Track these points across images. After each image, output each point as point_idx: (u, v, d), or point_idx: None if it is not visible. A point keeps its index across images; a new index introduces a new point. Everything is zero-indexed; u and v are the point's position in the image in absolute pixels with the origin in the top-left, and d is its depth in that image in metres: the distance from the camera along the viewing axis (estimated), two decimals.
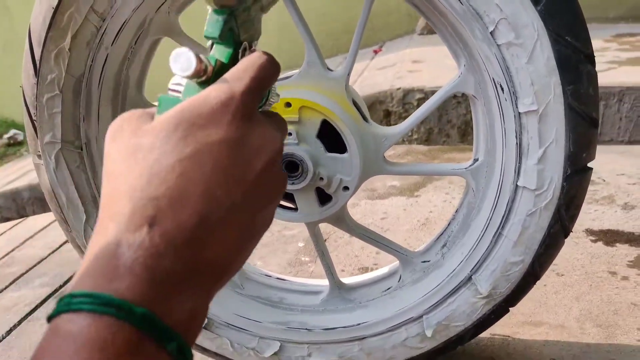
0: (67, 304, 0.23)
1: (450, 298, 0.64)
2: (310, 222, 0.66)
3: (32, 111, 0.62)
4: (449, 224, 0.67)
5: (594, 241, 1.00)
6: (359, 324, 0.68)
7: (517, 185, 0.58)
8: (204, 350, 0.72)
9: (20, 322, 1.06)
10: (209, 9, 0.33)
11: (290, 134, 0.59)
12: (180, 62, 0.29)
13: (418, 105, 1.61)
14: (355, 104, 0.63)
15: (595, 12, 2.40)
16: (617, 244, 0.98)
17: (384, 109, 1.64)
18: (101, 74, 0.61)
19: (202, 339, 0.71)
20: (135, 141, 0.27)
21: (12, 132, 3.59)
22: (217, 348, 0.71)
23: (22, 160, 2.89)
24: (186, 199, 0.26)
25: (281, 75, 0.57)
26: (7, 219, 1.98)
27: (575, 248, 0.98)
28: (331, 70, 0.62)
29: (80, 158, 0.64)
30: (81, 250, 0.68)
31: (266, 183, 0.29)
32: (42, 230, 1.62)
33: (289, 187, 0.61)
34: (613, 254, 0.95)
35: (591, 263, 0.93)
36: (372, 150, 0.63)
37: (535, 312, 0.83)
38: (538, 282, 0.88)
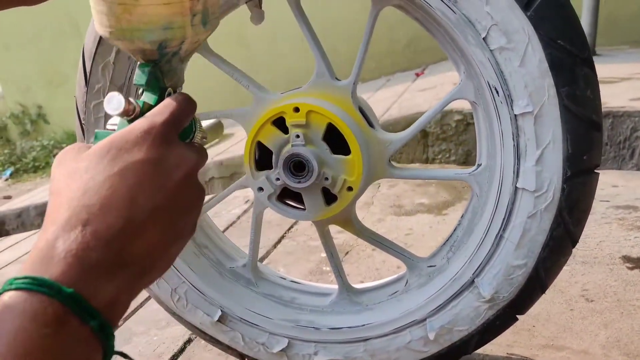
0: (10, 284, 0.29)
1: (453, 301, 0.64)
2: (318, 221, 0.70)
3: (82, 116, 0.72)
4: (454, 230, 0.67)
5: (631, 268, 0.94)
6: (364, 325, 0.69)
7: (516, 187, 0.59)
8: (217, 343, 0.76)
9: None
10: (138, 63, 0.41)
11: (298, 135, 0.65)
12: (113, 103, 0.37)
13: (456, 127, 1.61)
14: (362, 110, 0.67)
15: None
16: None
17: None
18: None
19: (217, 332, 0.75)
20: (75, 165, 0.34)
21: None
22: (229, 341, 0.75)
23: None
24: (114, 205, 0.32)
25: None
26: None
27: (610, 274, 0.92)
28: (339, 80, 0.67)
29: None
30: None
31: (184, 193, 0.36)
32: None
33: (297, 186, 0.66)
34: None
35: (625, 290, 0.87)
36: (376, 153, 0.66)
37: (559, 336, 0.79)
38: (564, 307, 0.85)
